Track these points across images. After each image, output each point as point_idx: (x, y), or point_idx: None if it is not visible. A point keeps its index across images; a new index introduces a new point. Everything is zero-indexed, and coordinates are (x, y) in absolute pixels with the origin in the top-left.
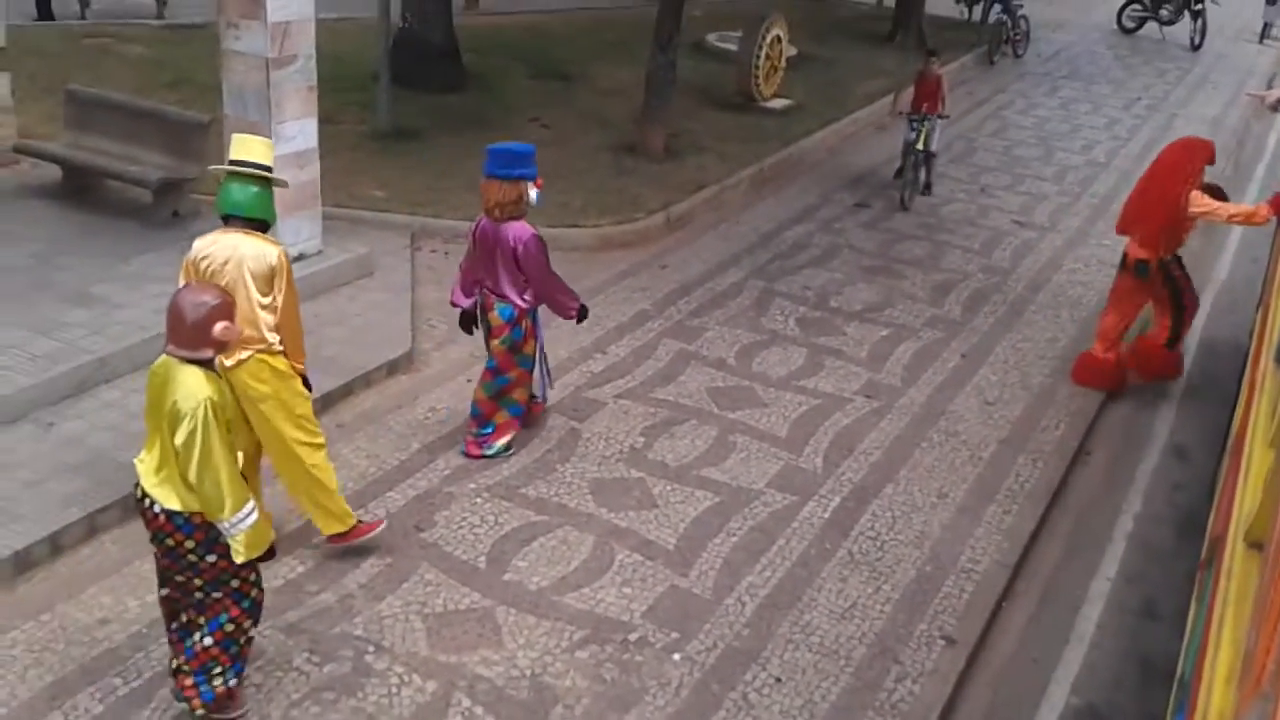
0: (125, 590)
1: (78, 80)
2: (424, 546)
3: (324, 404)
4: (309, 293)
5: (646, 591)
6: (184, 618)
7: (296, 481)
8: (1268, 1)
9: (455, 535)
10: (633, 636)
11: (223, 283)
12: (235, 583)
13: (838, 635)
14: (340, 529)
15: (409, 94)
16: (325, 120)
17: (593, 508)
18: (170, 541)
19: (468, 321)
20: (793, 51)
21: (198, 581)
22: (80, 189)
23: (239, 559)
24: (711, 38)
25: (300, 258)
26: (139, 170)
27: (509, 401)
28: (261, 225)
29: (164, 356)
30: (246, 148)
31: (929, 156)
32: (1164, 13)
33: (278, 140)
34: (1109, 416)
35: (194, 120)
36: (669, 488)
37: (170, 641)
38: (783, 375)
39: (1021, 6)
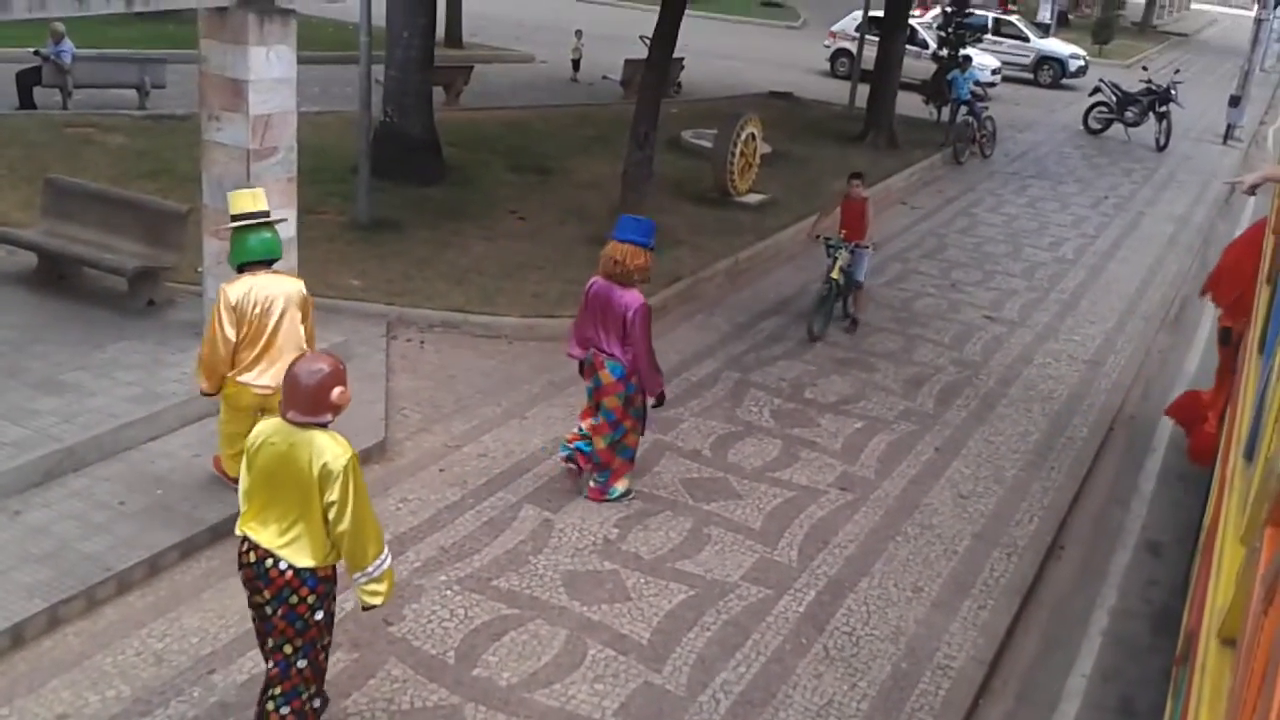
0: (85, 685)
1: (58, 169)
2: (392, 641)
3: None
4: None
5: (619, 688)
6: (272, 682)
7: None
8: (1230, 104)
9: (424, 629)
10: None
11: (276, 315)
12: (319, 652)
13: None
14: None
15: (389, 186)
16: (305, 211)
17: (565, 600)
18: (294, 599)
19: (586, 370)
20: (767, 149)
21: (298, 644)
22: (56, 277)
23: (378, 601)
24: (687, 135)
25: None
26: (115, 259)
27: (623, 449)
28: (272, 262)
29: (272, 423)
30: (244, 201)
31: (856, 287)
32: (1129, 114)
33: None
34: (1082, 511)
35: (172, 210)
36: (643, 580)
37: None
38: (758, 466)
39: (986, 108)
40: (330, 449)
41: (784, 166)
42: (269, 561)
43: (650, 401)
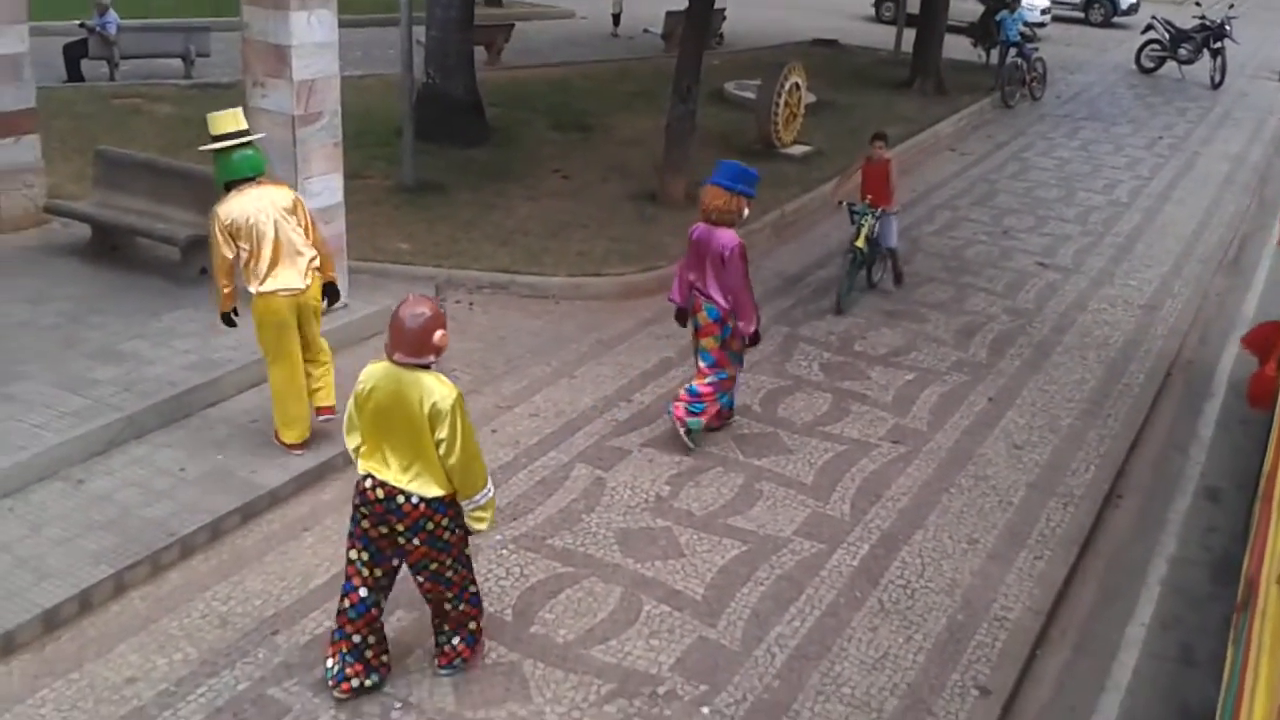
0: (153, 648)
1: (107, 140)
2: None
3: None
4: (335, 346)
5: (674, 643)
6: (439, 605)
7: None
8: None
9: (482, 588)
10: (661, 689)
11: (267, 228)
12: (466, 557)
13: (869, 686)
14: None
15: (433, 148)
16: (351, 175)
17: (619, 558)
18: (430, 526)
19: (682, 316)
20: (811, 98)
21: (448, 560)
22: (110, 247)
23: (483, 526)
24: (730, 86)
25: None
26: (167, 228)
27: (724, 393)
28: (257, 177)
29: (380, 366)
30: (225, 122)
31: (891, 253)
32: (1183, 51)
33: (304, 195)
34: (1140, 459)
35: None
36: (695, 536)
37: (355, 645)
38: (808, 421)
39: (1037, 49)
40: (438, 389)
41: (829, 116)
42: (400, 498)
43: (745, 341)
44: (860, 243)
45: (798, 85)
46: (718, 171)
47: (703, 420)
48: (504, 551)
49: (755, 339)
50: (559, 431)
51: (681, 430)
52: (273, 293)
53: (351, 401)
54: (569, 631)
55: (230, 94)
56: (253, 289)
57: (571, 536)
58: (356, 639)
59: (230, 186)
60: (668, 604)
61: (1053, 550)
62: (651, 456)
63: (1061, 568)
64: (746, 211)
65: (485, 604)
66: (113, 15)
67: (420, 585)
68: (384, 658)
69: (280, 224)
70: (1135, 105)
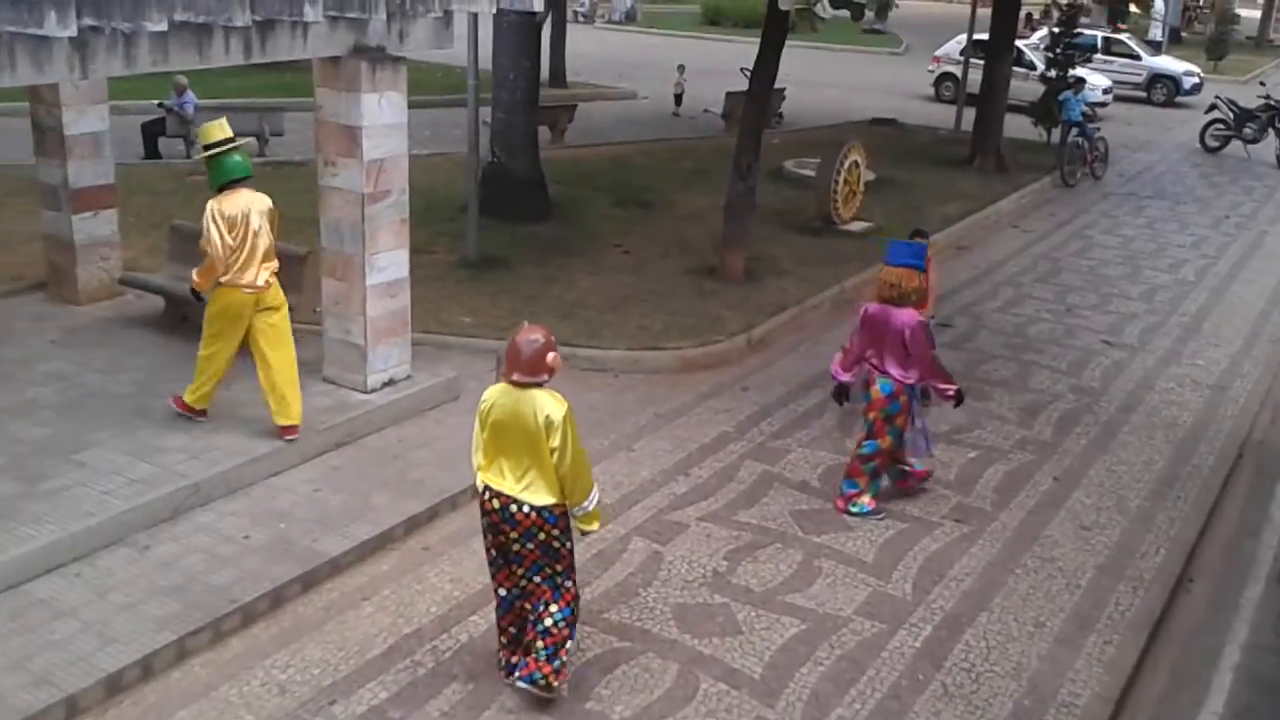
0: (212, 715)
1: (182, 215)
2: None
3: (409, 527)
4: (397, 417)
5: None
6: (538, 609)
7: (285, 370)
8: None
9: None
10: None
11: (256, 224)
12: (572, 573)
13: None
14: (292, 422)
15: (497, 224)
16: (417, 250)
17: (676, 634)
18: (541, 535)
19: (840, 394)
20: (871, 176)
21: (558, 568)
22: (181, 318)
23: (593, 527)
24: (790, 164)
25: (391, 382)
26: None
27: (872, 468)
28: (246, 179)
29: (498, 387)
30: (213, 132)
31: None
32: (1248, 131)
33: (371, 270)
34: (1210, 542)
35: (291, 252)
36: (754, 613)
37: (514, 635)
38: None
39: (1098, 129)
40: (551, 404)
41: (889, 193)
42: (513, 507)
43: (951, 404)
44: None
45: (857, 163)
46: (899, 254)
47: (866, 504)
48: None
49: (959, 398)
50: (616, 504)
51: (855, 513)
52: (236, 286)
53: (477, 421)
54: (625, 708)
55: (303, 172)
56: (222, 279)
57: (628, 611)
58: (513, 630)
59: (223, 189)
60: (725, 682)
61: (1122, 635)
62: (709, 531)
63: (1131, 653)
64: (917, 284)
65: None
66: (190, 96)
67: (530, 592)
68: (517, 651)
69: (263, 226)
70: (1200, 184)
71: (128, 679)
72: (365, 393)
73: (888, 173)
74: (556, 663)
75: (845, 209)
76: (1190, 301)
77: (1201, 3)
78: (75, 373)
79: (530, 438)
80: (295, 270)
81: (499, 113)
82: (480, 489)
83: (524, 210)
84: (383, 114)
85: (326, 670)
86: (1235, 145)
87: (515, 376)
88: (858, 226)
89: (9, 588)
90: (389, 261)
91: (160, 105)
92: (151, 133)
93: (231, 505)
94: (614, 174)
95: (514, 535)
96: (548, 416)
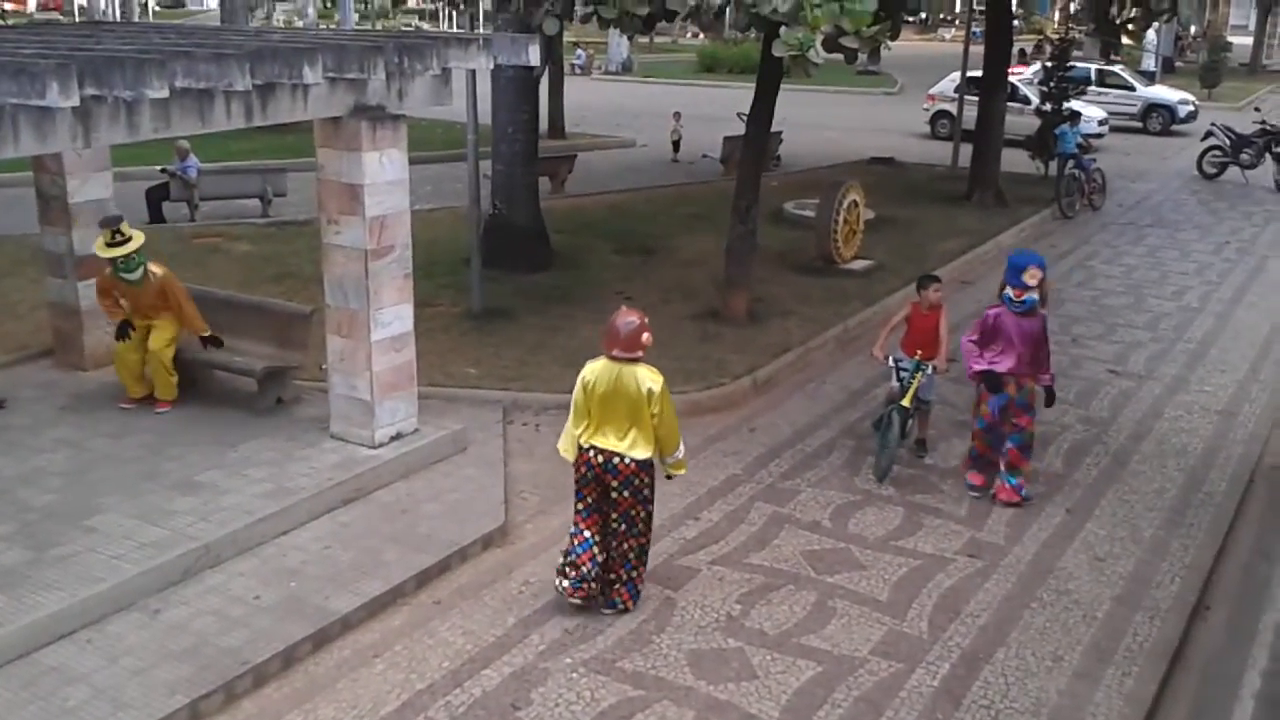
0: None
1: (188, 278)
2: None
3: (420, 581)
4: (405, 471)
5: None
6: (623, 546)
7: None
8: None
9: (552, 713)
10: None
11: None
12: (650, 516)
13: None
14: (171, 397)
15: (500, 275)
16: (420, 304)
17: (691, 680)
18: (636, 482)
19: (995, 382)
20: (870, 215)
21: (643, 513)
22: (189, 381)
23: (681, 470)
24: (789, 206)
25: (398, 436)
26: (244, 361)
27: (1028, 449)
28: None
29: (599, 363)
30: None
31: (925, 407)
32: (1245, 157)
33: (376, 326)
34: (1226, 568)
35: (297, 311)
36: (769, 657)
37: (582, 572)
38: (880, 536)
39: (1094, 160)
40: (650, 377)
41: (889, 231)
42: (616, 459)
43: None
44: (908, 402)
45: (856, 202)
46: (1036, 259)
47: (1026, 485)
48: (574, 675)
49: (1050, 395)
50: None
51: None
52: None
53: (579, 392)
54: None
55: (307, 230)
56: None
57: (642, 659)
58: (583, 568)
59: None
60: None
61: (1141, 665)
62: (721, 575)
63: (1151, 684)
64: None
65: None
66: (193, 160)
67: (618, 533)
68: (593, 586)
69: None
70: (1199, 211)
71: None
72: (373, 448)
73: (887, 211)
74: (632, 589)
75: (846, 248)
76: (1195, 328)
77: (1193, 32)
78: (83, 438)
79: (632, 404)
80: (301, 328)
81: (499, 165)
82: (584, 447)
83: (526, 261)
84: (384, 171)
85: None
86: (1233, 171)
87: (615, 353)
88: (859, 265)
89: (20, 656)
90: (393, 316)
91: (163, 170)
92: (156, 198)
93: (241, 565)
94: (615, 222)
95: (615, 483)
96: (649, 388)
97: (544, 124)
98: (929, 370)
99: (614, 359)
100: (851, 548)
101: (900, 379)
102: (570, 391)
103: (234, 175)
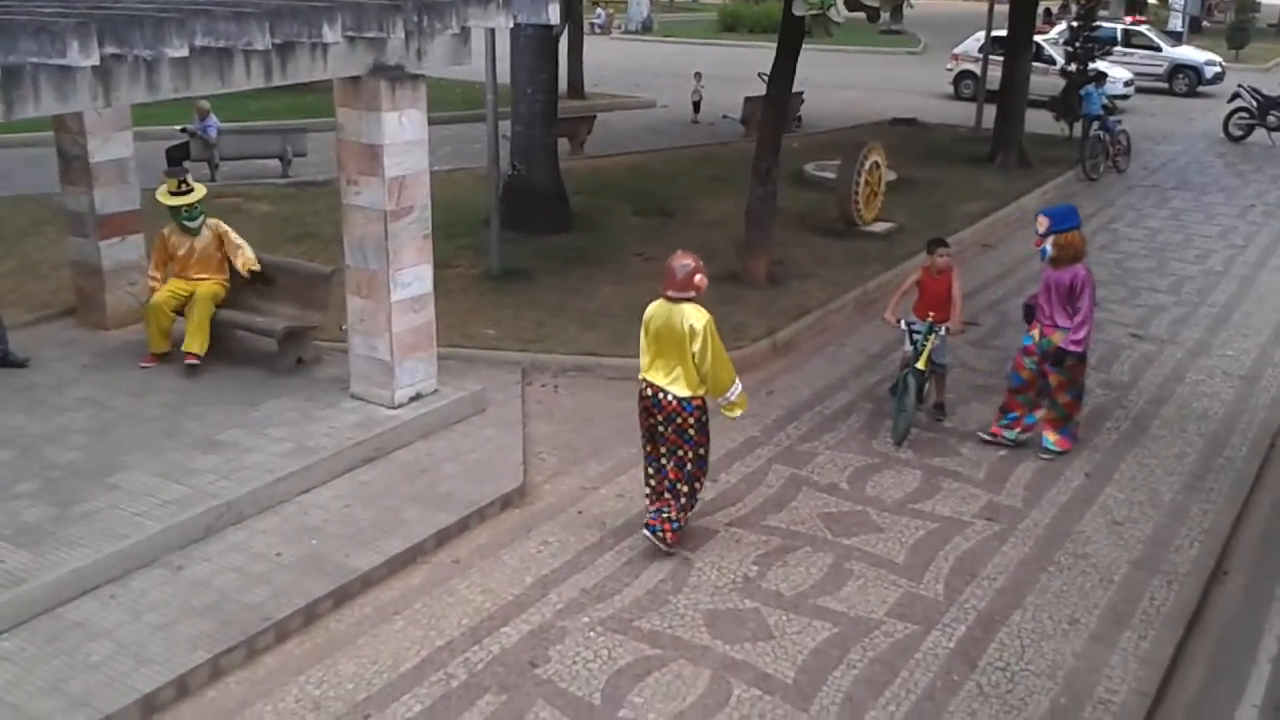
0: None
1: None
2: (539, 683)
3: (439, 540)
4: (425, 431)
5: None
6: (675, 484)
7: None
8: None
9: (570, 671)
10: None
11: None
12: (702, 457)
13: None
14: (201, 351)
15: (519, 237)
16: (440, 265)
17: (707, 640)
18: (679, 420)
19: (1028, 314)
20: (892, 176)
21: (690, 454)
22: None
23: (735, 414)
24: (810, 168)
25: (417, 397)
26: (265, 321)
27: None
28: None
29: (658, 302)
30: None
31: (941, 370)
32: (1272, 119)
33: (396, 286)
34: (1245, 533)
35: (317, 271)
36: (785, 618)
37: (655, 495)
38: (898, 499)
39: (1120, 121)
40: (694, 314)
41: (911, 193)
42: (660, 395)
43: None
44: (923, 364)
45: (877, 164)
46: (1064, 220)
47: (1054, 439)
48: (591, 633)
49: (1083, 354)
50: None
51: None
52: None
53: (642, 330)
54: (658, 716)
55: (326, 190)
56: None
57: (659, 618)
58: (653, 483)
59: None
60: (758, 687)
61: (1158, 629)
62: (738, 536)
63: (1167, 647)
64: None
65: (573, 687)
66: (213, 119)
67: (666, 468)
68: (656, 502)
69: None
70: (1225, 173)
71: (163, 699)
72: (393, 408)
73: (909, 172)
74: (675, 525)
75: (867, 210)
76: (1219, 292)
77: None
78: (106, 397)
79: (678, 342)
80: (321, 289)
81: (518, 126)
82: (641, 383)
83: (545, 222)
84: (403, 131)
85: (360, 685)
86: (1259, 133)
87: (670, 293)
88: (880, 227)
89: (45, 611)
90: (413, 277)
91: (183, 130)
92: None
93: (263, 523)
94: (634, 183)
95: (659, 418)
96: (691, 325)
97: (563, 84)
98: (942, 332)
99: (668, 299)
100: (869, 510)
101: (914, 342)
102: (588, 353)
103: (254, 135)
